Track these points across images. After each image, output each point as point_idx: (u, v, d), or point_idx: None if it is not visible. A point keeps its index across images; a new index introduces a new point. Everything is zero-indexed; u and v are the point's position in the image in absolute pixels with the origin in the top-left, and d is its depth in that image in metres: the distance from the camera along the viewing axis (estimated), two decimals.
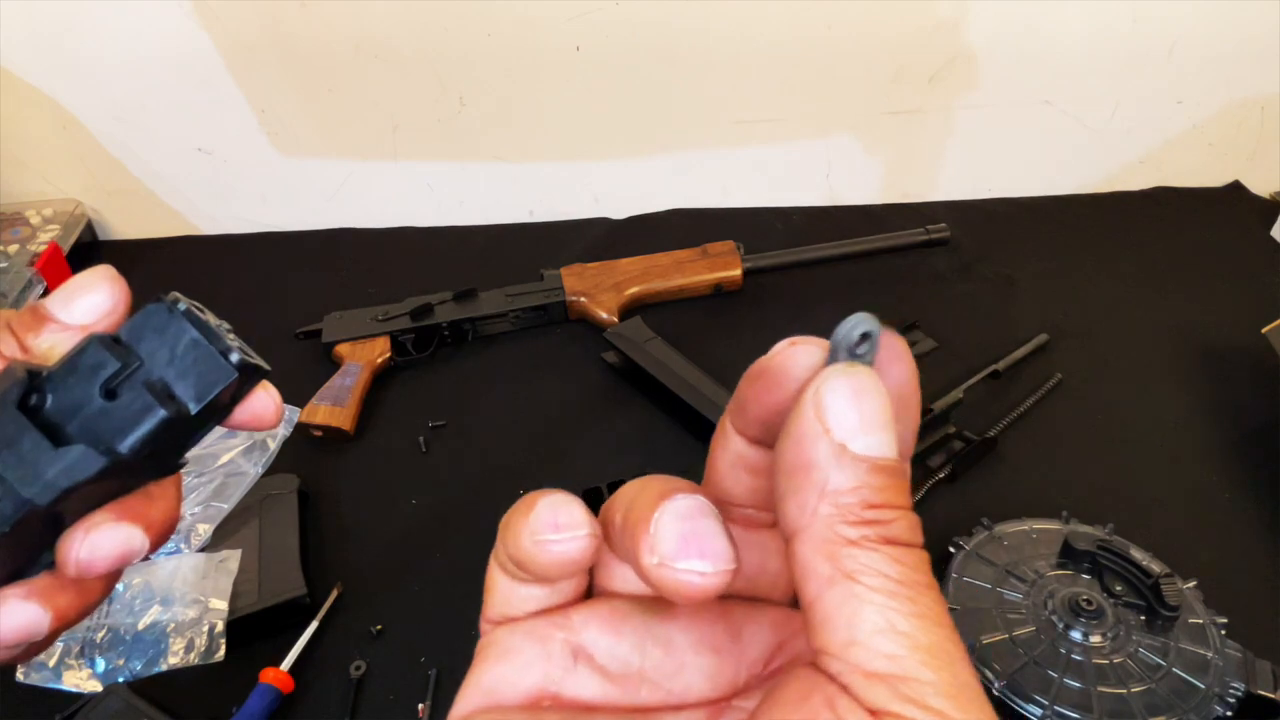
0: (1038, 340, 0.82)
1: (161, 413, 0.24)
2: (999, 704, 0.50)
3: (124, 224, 1.00)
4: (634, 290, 0.86)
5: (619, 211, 1.01)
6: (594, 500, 0.66)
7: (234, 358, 0.25)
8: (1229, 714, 0.49)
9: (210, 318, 0.25)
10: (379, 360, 0.80)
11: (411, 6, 0.85)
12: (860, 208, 1.03)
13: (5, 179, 0.96)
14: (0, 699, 0.57)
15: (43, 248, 0.89)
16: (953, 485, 0.69)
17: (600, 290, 0.86)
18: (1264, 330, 0.75)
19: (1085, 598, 0.54)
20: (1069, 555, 0.57)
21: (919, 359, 0.81)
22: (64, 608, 0.27)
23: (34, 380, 0.24)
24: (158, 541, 0.26)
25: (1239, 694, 0.50)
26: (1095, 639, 0.52)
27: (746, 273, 0.88)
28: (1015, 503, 0.64)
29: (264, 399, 0.27)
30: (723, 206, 1.02)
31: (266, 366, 0.26)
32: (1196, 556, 0.60)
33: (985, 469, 0.71)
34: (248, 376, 0.25)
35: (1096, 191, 1.04)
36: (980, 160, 1.02)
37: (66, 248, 0.92)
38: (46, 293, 0.86)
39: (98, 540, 0.25)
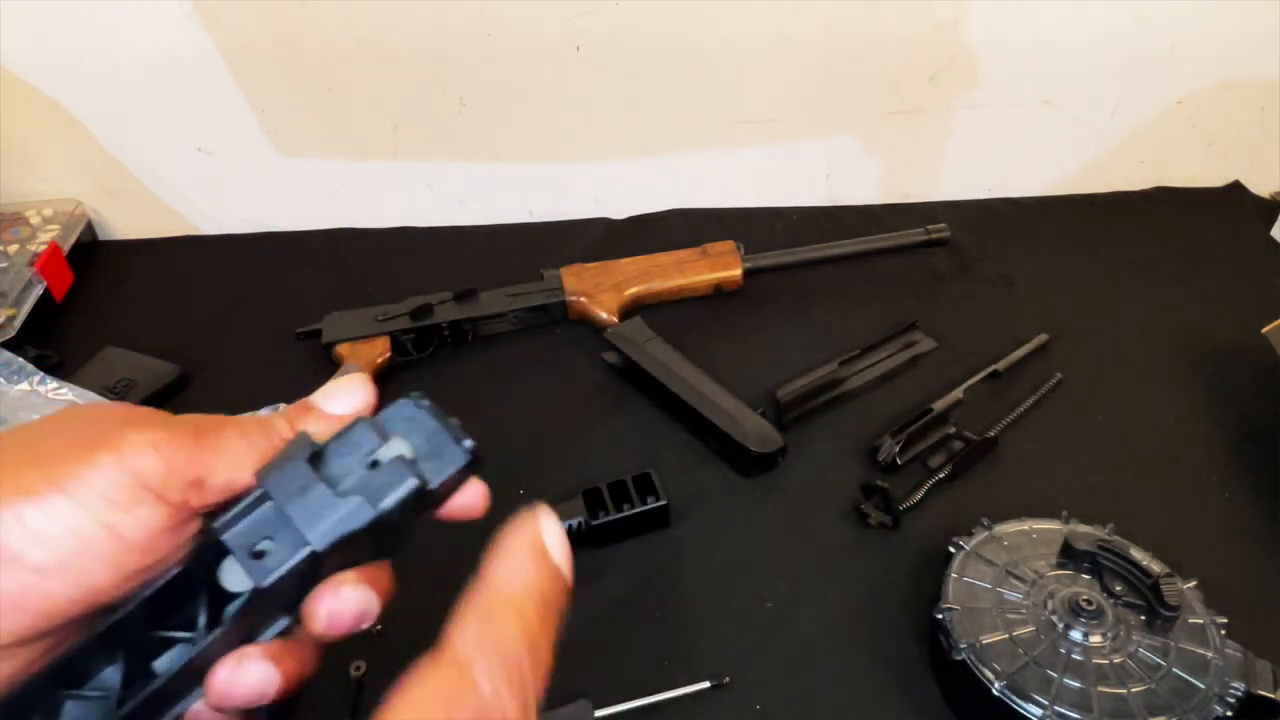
0: (1038, 340, 0.82)
1: (414, 481, 0.28)
2: (999, 704, 0.50)
3: (124, 224, 1.00)
4: (634, 290, 0.86)
5: (619, 211, 1.01)
6: (594, 500, 0.66)
7: (467, 444, 0.30)
8: (1229, 714, 0.49)
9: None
10: (379, 360, 0.80)
11: (411, 6, 0.85)
12: (860, 208, 1.03)
13: (5, 179, 0.95)
14: None
15: (43, 248, 0.89)
16: (953, 485, 0.69)
17: (600, 290, 0.86)
18: (1264, 330, 0.75)
19: (1085, 598, 0.54)
20: (1069, 555, 0.57)
21: (919, 359, 0.81)
22: (290, 672, 0.29)
23: (315, 449, 0.29)
24: (379, 611, 0.30)
25: (1239, 694, 0.50)
26: (1095, 639, 0.52)
27: (746, 273, 0.88)
28: (1015, 503, 0.64)
29: (477, 489, 0.32)
30: (723, 206, 1.02)
31: (480, 461, 0.31)
32: (1196, 556, 0.60)
33: (985, 469, 0.71)
34: (474, 464, 0.30)
35: (1096, 191, 1.04)
36: (980, 160, 1.02)
37: (66, 248, 0.92)
38: (46, 292, 0.87)
39: (347, 596, 0.29)
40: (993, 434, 0.72)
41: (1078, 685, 0.50)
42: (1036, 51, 0.93)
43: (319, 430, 0.30)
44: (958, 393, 0.75)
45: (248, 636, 0.29)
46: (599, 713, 0.55)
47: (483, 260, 0.95)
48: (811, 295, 0.89)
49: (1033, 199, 1.03)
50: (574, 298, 0.85)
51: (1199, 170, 1.04)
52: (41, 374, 0.76)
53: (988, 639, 0.53)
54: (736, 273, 0.88)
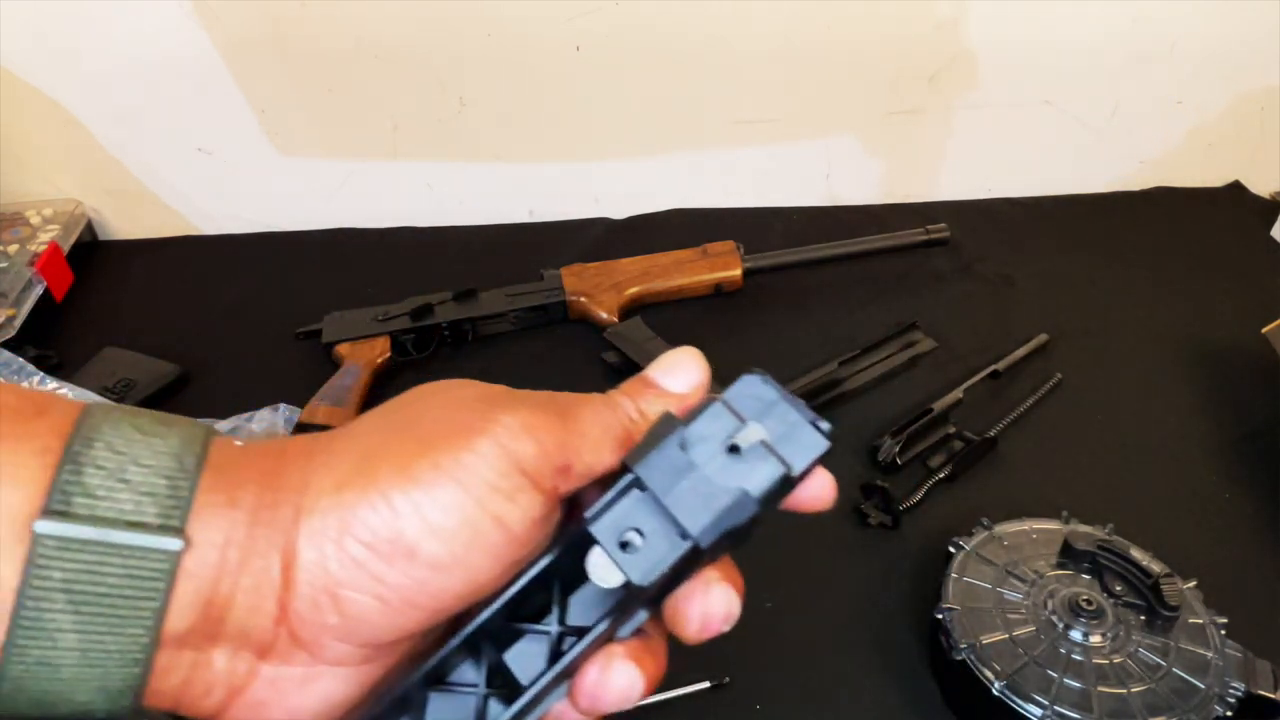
0: (1038, 340, 0.82)
1: (781, 470, 0.26)
2: (999, 704, 0.50)
3: (124, 224, 1.00)
4: (634, 290, 0.86)
5: (619, 211, 1.01)
6: None
7: (824, 427, 0.26)
8: (1229, 714, 0.49)
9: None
10: (379, 360, 0.80)
11: (411, 6, 0.85)
12: (860, 208, 1.03)
13: (5, 179, 0.95)
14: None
15: (43, 248, 0.89)
16: (953, 485, 0.69)
17: (600, 290, 0.86)
18: (1264, 330, 0.75)
19: (1085, 598, 0.54)
20: (1069, 555, 0.57)
21: (919, 359, 0.81)
22: (650, 675, 0.27)
23: (684, 433, 0.26)
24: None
25: (1239, 694, 0.50)
26: (1095, 639, 0.52)
27: (746, 273, 0.88)
28: (1015, 503, 0.64)
29: (824, 479, 0.28)
30: (723, 206, 1.02)
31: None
32: (1196, 556, 0.60)
33: (985, 469, 0.71)
34: (828, 451, 0.27)
35: (1096, 191, 1.04)
36: (980, 160, 1.02)
37: (66, 248, 0.92)
38: (46, 292, 0.87)
39: (717, 596, 0.27)
40: (993, 434, 0.72)
41: (1078, 685, 0.50)
42: (1036, 51, 0.93)
43: (659, 410, 0.29)
44: (958, 393, 0.75)
45: (609, 635, 0.27)
46: None
47: (483, 260, 0.95)
48: (811, 295, 0.89)
49: (1033, 199, 1.03)
50: (574, 298, 0.85)
51: (1199, 170, 1.04)
52: (41, 374, 0.76)
53: (988, 639, 0.53)
54: (736, 273, 0.87)
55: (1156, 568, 0.55)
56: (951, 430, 0.73)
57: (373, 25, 0.87)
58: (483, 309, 0.84)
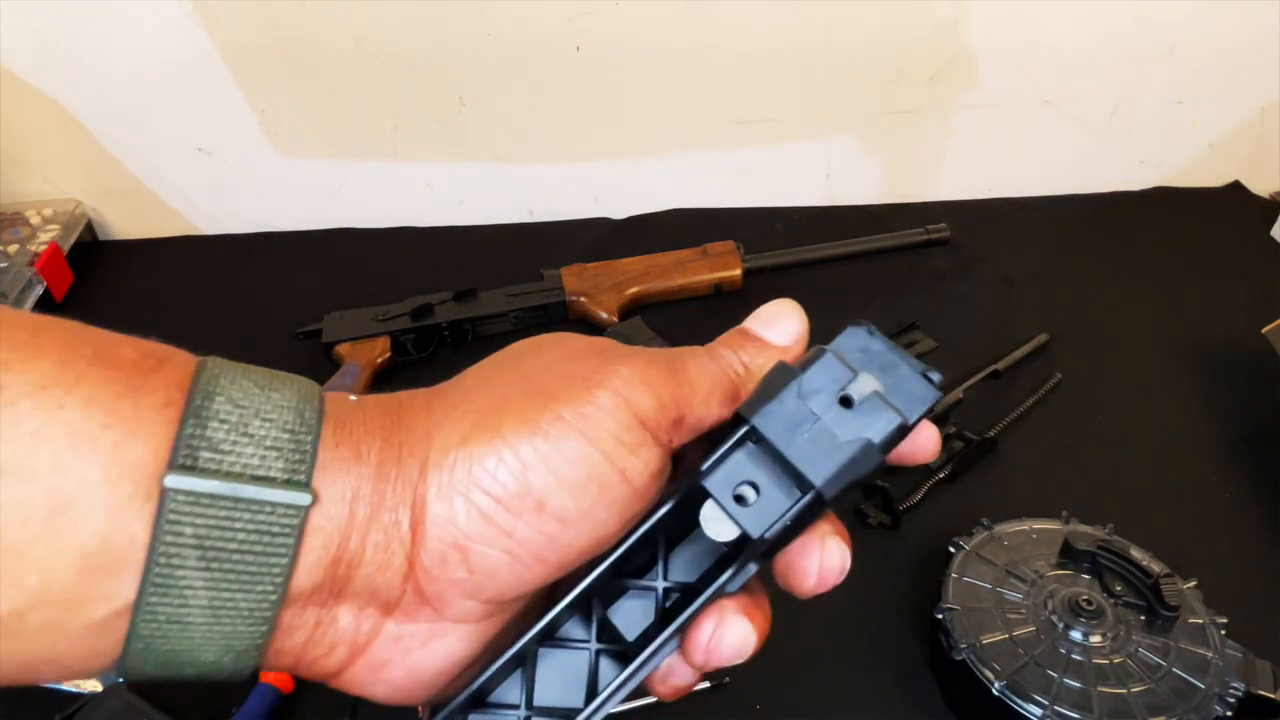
0: (1038, 340, 0.81)
1: (898, 419, 0.25)
2: (999, 704, 0.50)
3: (124, 224, 1.00)
4: (634, 290, 0.86)
5: (619, 211, 1.01)
6: None
7: (934, 376, 0.26)
8: (1229, 714, 0.49)
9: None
10: (379, 360, 0.80)
11: (411, 6, 0.85)
12: (860, 208, 1.03)
13: (5, 179, 0.95)
14: (0, 699, 0.57)
15: (43, 248, 0.89)
16: (953, 485, 0.69)
17: (600, 290, 0.86)
18: (1264, 330, 0.75)
19: (1085, 598, 0.54)
20: (1069, 555, 0.57)
21: (918, 359, 0.81)
22: (760, 629, 0.27)
23: (799, 384, 0.26)
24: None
25: (1239, 694, 0.50)
26: (1095, 639, 0.52)
27: (746, 273, 0.88)
28: (1015, 503, 0.64)
29: (930, 430, 0.28)
30: (723, 206, 1.02)
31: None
32: (1196, 556, 0.60)
33: (985, 469, 0.71)
34: (939, 401, 0.26)
35: (1096, 191, 1.04)
36: (980, 160, 1.02)
37: (66, 248, 0.92)
38: (47, 292, 0.87)
39: (833, 551, 0.27)
40: (993, 434, 0.72)
41: (1078, 685, 0.50)
42: (1036, 51, 0.93)
43: (762, 362, 0.28)
44: (958, 393, 0.75)
45: (720, 590, 0.27)
46: None
47: (483, 260, 0.95)
48: (811, 295, 0.88)
49: (1033, 199, 1.03)
50: (574, 298, 0.85)
51: (1199, 170, 1.04)
52: None
53: (988, 639, 0.53)
54: (736, 273, 0.87)
55: (1156, 568, 0.55)
56: (951, 430, 0.73)
57: (373, 25, 0.87)
58: (483, 309, 0.84)
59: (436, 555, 0.24)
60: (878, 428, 0.25)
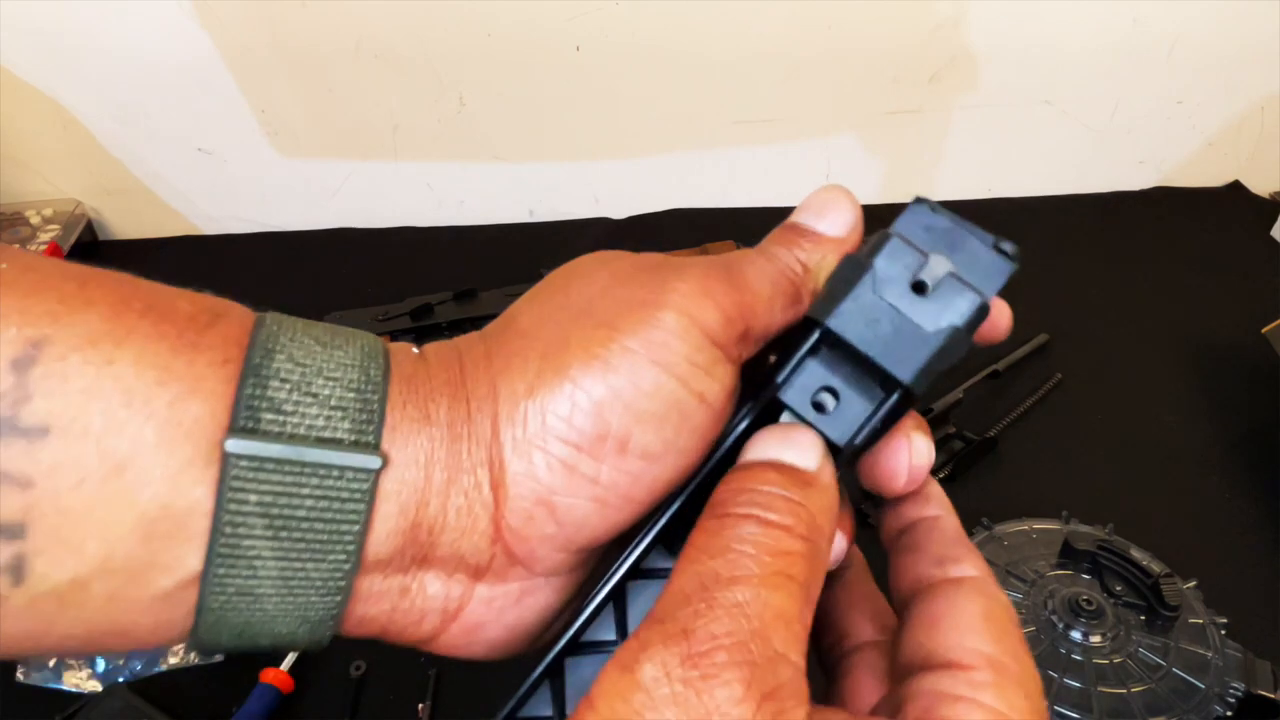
0: (1038, 340, 0.81)
1: (978, 299, 0.23)
2: None
3: (124, 224, 1.00)
4: None
5: (619, 211, 1.01)
6: None
7: (1006, 247, 0.24)
8: (1229, 714, 0.49)
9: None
10: None
11: (411, 6, 0.85)
12: (860, 208, 1.02)
13: (5, 179, 0.95)
14: (0, 699, 0.57)
15: (43, 248, 0.89)
16: (953, 485, 0.69)
17: None
18: (1264, 330, 0.75)
19: (1085, 598, 0.54)
20: (1069, 555, 0.57)
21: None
22: (849, 536, 0.26)
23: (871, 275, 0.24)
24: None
25: (1239, 694, 0.50)
26: (1095, 639, 0.52)
27: None
28: (1015, 503, 0.64)
29: (1002, 306, 0.26)
30: (723, 206, 1.02)
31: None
32: (1196, 556, 0.60)
33: (985, 469, 0.71)
34: (1015, 272, 0.24)
35: (1096, 191, 1.04)
36: (980, 160, 1.02)
37: (66, 248, 0.92)
38: None
39: (920, 447, 0.25)
40: (993, 434, 0.72)
41: (1078, 685, 0.50)
42: (1036, 51, 0.93)
43: (820, 258, 0.26)
44: (958, 393, 0.75)
45: None
46: None
47: (483, 260, 0.95)
48: None
49: (1033, 199, 1.03)
50: None
51: (1199, 170, 1.04)
52: None
53: None
54: None
55: (1156, 568, 0.55)
56: (951, 430, 0.73)
57: (373, 25, 0.87)
58: (483, 309, 0.84)
59: (523, 514, 0.23)
60: (960, 310, 0.23)
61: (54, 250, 0.90)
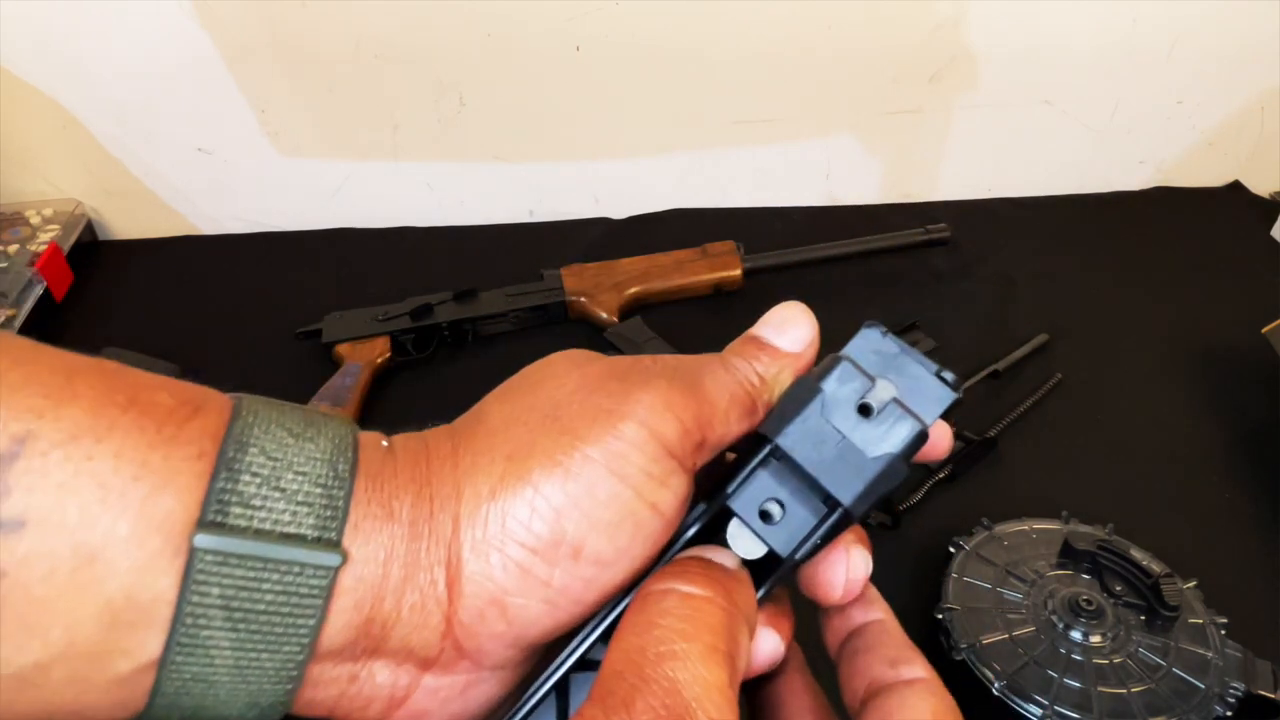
0: (1038, 340, 0.82)
1: (918, 426, 0.25)
2: (999, 704, 0.50)
3: (124, 224, 1.00)
4: (634, 290, 0.86)
5: (619, 211, 1.01)
6: None
7: (948, 377, 0.26)
8: (1229, 714, 0.49)
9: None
10: (379, 360, 0.80)
11: (411, 6, 0.85)
12: (860, 208, 1.03)
13: (5, 179, 0.95)
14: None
15: (43, 248, 0.89)
16: (953, 485, 0.69)
17: (600, 290, 0.86)
18: (1264, 330, 0.75)
19: (1085, 598, 0.54)
20: (1069, 555, 0.57)
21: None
22: (787, 637, 0.28)
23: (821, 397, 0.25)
24: None
25: (1239, 694, 0.50)
26: (1095, 639, 0.52)
27: (746, 273, 0.88)
28: (1015, 503, 0.64)
29: (943, 428, 0.27)
30: (723, 206, 1.02)
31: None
32: (1196, 556, 0.60)
33: (985, 469, 0.71)
34: (959, 401, 0.26)
35: (1096, 191, 1.04)
36: (980, 160, 1.02)
37: (66, 248, 0.92)
38: (46, 292, 0.87)
39: (858, 562, 0.27)
40: (993, 434, 0.72)
41: (1078, 685, 0.50)
42: (1036, 51, 0.93)
43: (776, 371, 0.28)
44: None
45: None
46: None
47: (483, 260, 0.95)
48: (811, 295, 0.88)
49: (1033, 199, 1.03)
50: (574, 298, 0.85)
51: (1199, 170, 1.04)
52: None
53: (988, 639, 0.53)
54: (736, 273, 0.87)
55: (1156, 568, 0.55)
56: (951, 430, 0.73)
57: (373, 25, 0.87)
58: (483, 309, 0.84)
59: (474, 612, 0.24)
60: (899, 437, 0.25)
61: (54, 250, 0.90)
